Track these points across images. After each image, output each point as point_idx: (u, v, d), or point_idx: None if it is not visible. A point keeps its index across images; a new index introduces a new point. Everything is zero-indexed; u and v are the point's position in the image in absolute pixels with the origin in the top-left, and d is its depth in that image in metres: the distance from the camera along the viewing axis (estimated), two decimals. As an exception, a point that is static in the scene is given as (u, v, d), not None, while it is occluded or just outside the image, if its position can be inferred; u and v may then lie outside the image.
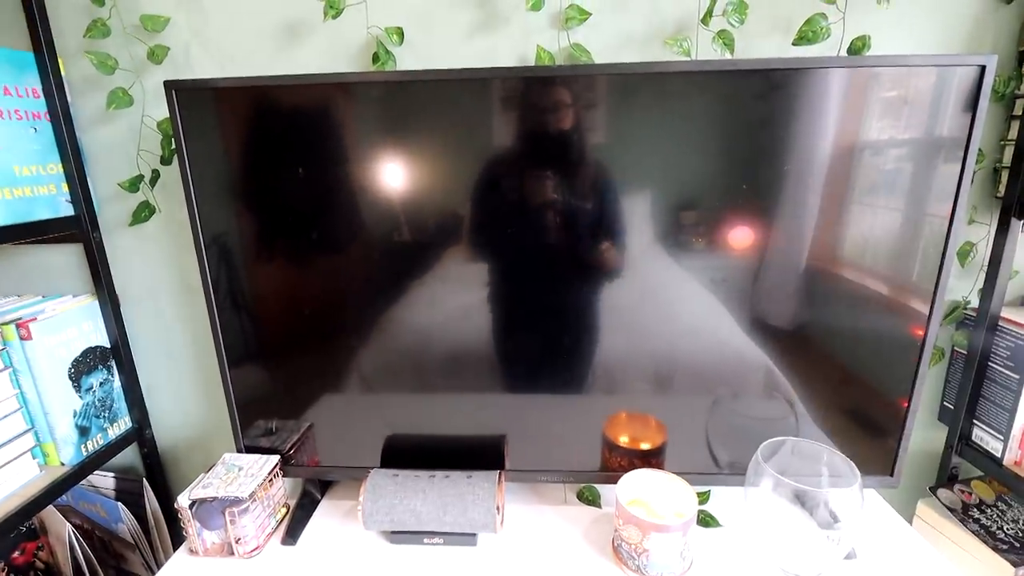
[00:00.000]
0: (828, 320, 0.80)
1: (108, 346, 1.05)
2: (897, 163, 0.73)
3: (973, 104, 0.70)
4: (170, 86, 0.74)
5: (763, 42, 0.86)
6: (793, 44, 0.81)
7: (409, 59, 0.90)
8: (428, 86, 0.73)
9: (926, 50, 0.86)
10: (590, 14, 0.85)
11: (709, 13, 0.79)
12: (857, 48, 0.80)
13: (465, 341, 0.84)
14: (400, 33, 0.87)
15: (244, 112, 0.75)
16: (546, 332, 0.83)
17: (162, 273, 1.05)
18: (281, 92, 0.74)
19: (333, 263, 0.82)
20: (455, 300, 0.83)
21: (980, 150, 0.89)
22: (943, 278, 0.77)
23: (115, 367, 1.07)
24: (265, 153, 0.77)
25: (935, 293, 0.77)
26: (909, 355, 0.80)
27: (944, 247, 0.75)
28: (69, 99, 0.94)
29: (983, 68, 0.69)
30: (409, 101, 0.74)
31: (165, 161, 0.94)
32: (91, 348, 1.02)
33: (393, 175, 0.77)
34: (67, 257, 1.06)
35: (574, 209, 0.77)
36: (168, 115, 0.90)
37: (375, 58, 0.87)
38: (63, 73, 0.93)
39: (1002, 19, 0.85)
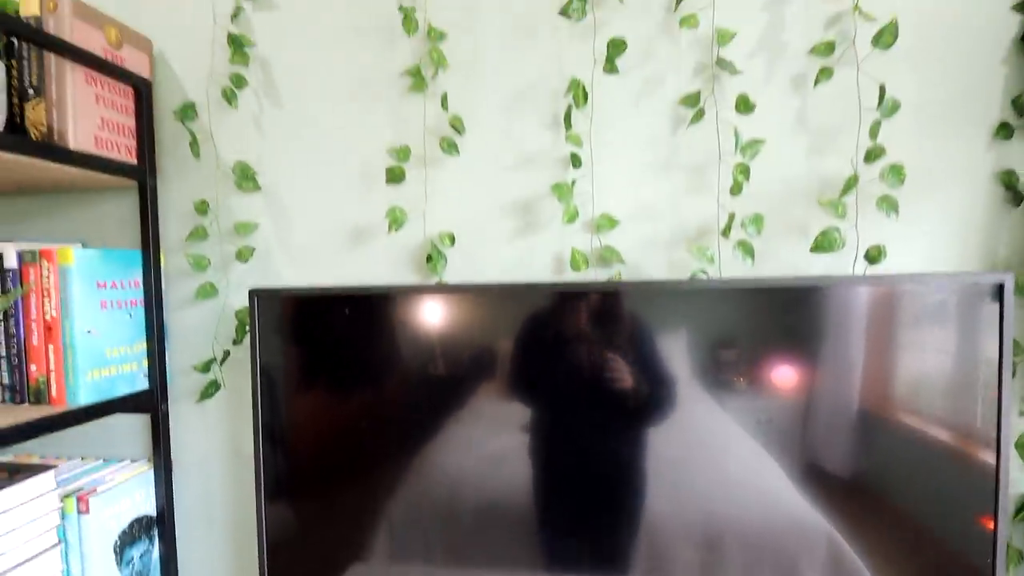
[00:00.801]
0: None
1: (154, 515, 1.08)
2: (936, 371, 0.75)
3: (999, 320, 0.73)
4: (253, 294, 0.85)
5: (782, 246, 0.94)
6: (811, 251, 0.88)
7: (458, 258, 1.01)
8: (474, 293, 0.82)
9: (939, 257, 0.91)
10: (619, 222, 0.96)
11: (728, 228, 0.88)
12: (873, 257, 0.86)
13: (500, 496, 0.84)
14: (451, 238, 0.99)
15: (310, 311, 0.85)
16: (586, 488, 0.82)
17: (216, 441, 1.11)
18: (342, 299, 0.84)
19: (374, 444, 0.86)
20: (491, 445, 0.84)
21: (1016, 341, 0.90)
22: (1003, 472, 0.74)
23: (157, 537, 1.08)
24: (325, 347, 0.85)
25: (996, 493, 0.74)
26: (983, 557, 0.74)
27: (997, 448, 0.73)
28: (163, 287, 1.08)
29: (1001, 285, 0.73)
30: (459, 307, 0.82)
31: (236, 342, 1.05)
32: (139, 519, 1.05)
33: (446, 371, 0.83)
34: (132, 423, 1.13)
35: (612, 354, 0.80)
36: (245, 305, 1.03)
37: (429, 258, 0.98)
38: (162, 265, 1.09)
39: (1016, 222, 0.90)
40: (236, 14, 1.04)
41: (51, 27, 0.91)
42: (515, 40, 0.98)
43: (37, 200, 1.15)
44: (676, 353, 0.81)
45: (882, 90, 0.85)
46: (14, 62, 0.91)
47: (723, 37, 0.91)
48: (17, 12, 0.91)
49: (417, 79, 0.97)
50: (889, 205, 0.85)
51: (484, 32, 0.99)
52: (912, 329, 0.76)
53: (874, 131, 0.88)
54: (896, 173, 0.86)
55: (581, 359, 0.82)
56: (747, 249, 0.88)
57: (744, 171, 0.90)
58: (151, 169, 1.05)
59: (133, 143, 1.03)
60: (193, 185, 1.08)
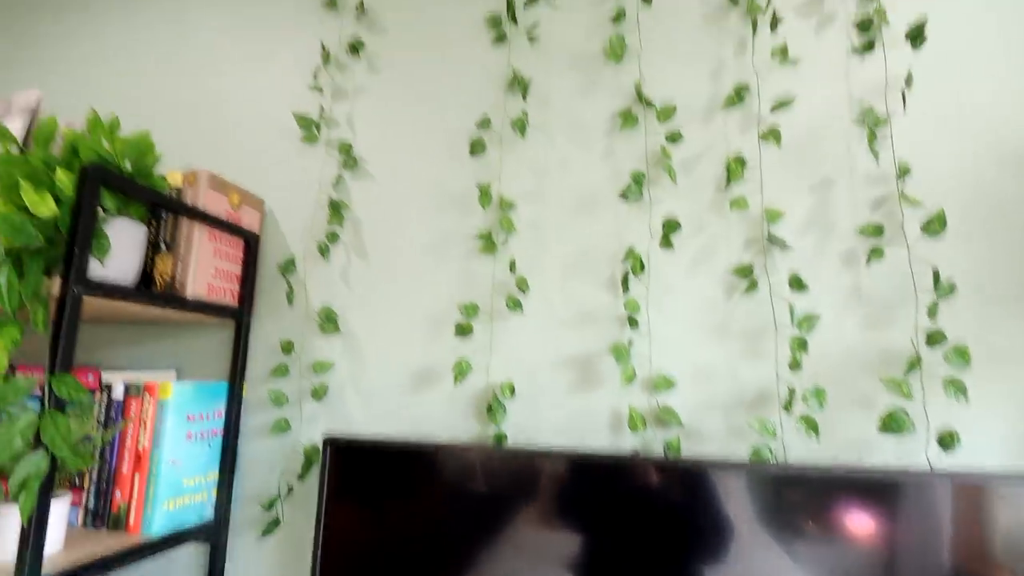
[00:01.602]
0: None
1: (197, 654, 1.07)
2: None
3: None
4: (327, 443, 0.91)
5: (846, 420, 0.93)
6: (880, 431, 0.86)
7: (518, 408, 1.05)
8: (536, 457, 0.84)
9: (1018, 441, 0.87)
10: (676, 383, 0.99)
11: (790, 403, 0.89)
12: (947, 443, 0.84)
13: None
14: (512, 388, 1.04)
15: (378, 461, 0.90)
16: None
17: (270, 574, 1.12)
18: (410, 452, 0.89)
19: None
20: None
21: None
22: None
23: None
24: (389, 497, 0.88)
25: None
26: None
27: None
28: (241, 414, 1.17)
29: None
30: (520, 466, 0.84)
31: (301, 478, 1.09)
32: (183, 657, 1.04)
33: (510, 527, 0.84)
34: (190, 551, 1.16)
35: (668, 498, 0.77)
36: (313, 442, 1.09)
37: (489, 408, 1.03)
38: (243, 393, 1.18)
39: (1096, 409, 0.86)
40: (337, 181, 1.22)
41: (188, 195, 1.10)
42: (577, 212, 1.09)
43: (141, 329, 1.30)
44: (740, 520, 0.79)
45: (936, 274, 0.88)
46: (154, 224, 1.09)
47: (772, 216, 0.98)
48: (164, 183, 1.10)
49: (488, 243, 1.08)
50: (957, 388, 0.84)
51: (549, 204, 1.11)
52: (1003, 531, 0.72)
53: (932, 311, 0.89)
54: (961, 355, 0.86)
55: (642, 527, 0.81)
56: (811, 424, 0.88)
57: (802, 344, 0.92)
58: (248, 310, 1.18)
59: (237, 287, 1.18)
60: (282, 325, 1.20)
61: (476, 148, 1.10)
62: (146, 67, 1.44)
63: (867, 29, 1.01)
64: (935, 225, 0.89)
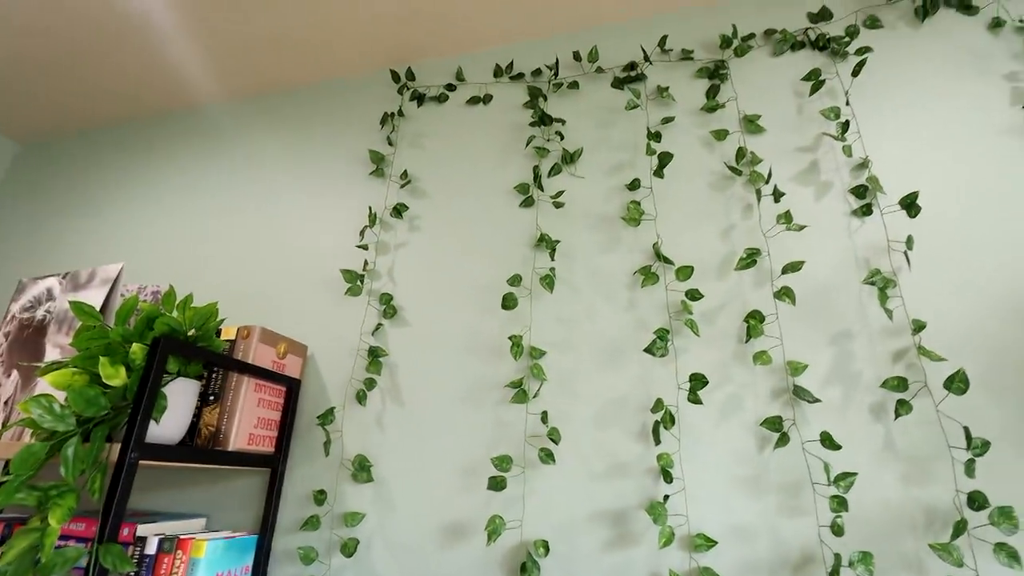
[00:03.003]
0: None
1: None
2: None
3: None
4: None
5: (898, 585, 0.89)
6: (934, 603, 0.82)
7: (552, 567, 1.02)
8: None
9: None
10: (716, 542, 0.96)
11: (836, 570, 0.86)
12: (1010, 620, 0.79)
13: None
14: (546, 546, 1.02)
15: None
16: None
17: None
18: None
19: None
20: None
21: None
22: None
23: None
24: None
25: None
26: None
27: None
28: (268, 569, 1.14)
29: None
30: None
31: (325, 645, 1.05)
32: None
33: None
34: None
35: None
36: (341, 601, 1.05)
37: (523, 567, 1.00)
38: (273, 546, 1.16)
39: None
40: (376, 329, 1.30)
41: (241, 348, 1.18)
42: (605, 362, 1.14)
43: (176, 473, 1.32)
44: None
45: (967, 432, 0.89)
46: (205, 377, 1.16)
47: (796, 369, 1.02)
48: (222, 344, 1.19)
49: (519, 392, 1.12)
50: (1009, 555, 0.81)
51: (578, 353, 1.17)
52: None
53: (970, 470, 0.89)
54: (1007, 517, 0.84)
55: None
56: (861, 594, 0.84)
57: (841, 503, 0.91)
58: (284, 457, 1.21)
59: (275, 434, 1.21)
60: (315, 473, 1.21)
61: (508, 302, 1.18)
62: (211, 233, 1.61)
63: (863, 196, 1.12)
64: (958, 384, 0.92)
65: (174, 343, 0.94)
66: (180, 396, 1.02)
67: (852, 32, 1.27)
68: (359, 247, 1.39)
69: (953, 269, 1.04)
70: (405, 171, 1.45)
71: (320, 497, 1.16)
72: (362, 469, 1.16)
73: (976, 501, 0.86)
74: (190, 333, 1.04)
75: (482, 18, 1.49)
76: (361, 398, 1.23)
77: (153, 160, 1.83)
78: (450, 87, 1.54)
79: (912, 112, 1.18)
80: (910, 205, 1.03)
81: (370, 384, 1.24)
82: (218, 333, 1.19)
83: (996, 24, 1.21)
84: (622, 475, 1.06)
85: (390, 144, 1.53)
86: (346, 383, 1.27)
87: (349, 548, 1.10)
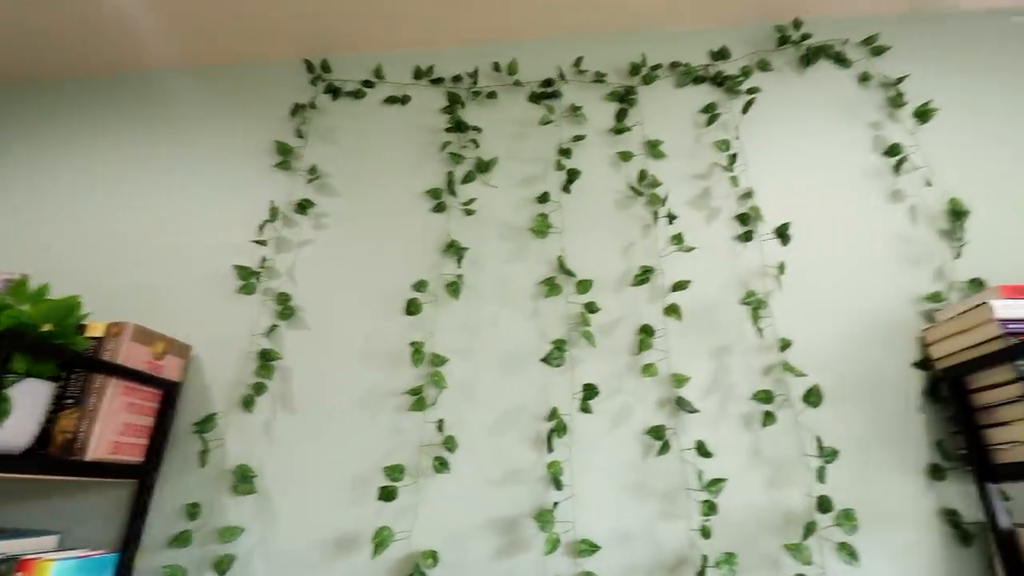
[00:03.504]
0: None
1: None
2: None
3: None
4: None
5: (757, 583, 0.96)
6: (785, 598, 0.90)
7: (441, 577, 1.01)
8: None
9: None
10: (599, 547, 1.00)
11: (703, 571, 0.92)
12: (845, 610, 0.89)
13: None
14: (434, 556, 1.00)
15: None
16: None
17: None
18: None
19: None
20: None
21: None
22: None
23: None
24: None
25: None
26: None
27: None
28: (128, 592, 1.04)
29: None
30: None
31: (189, 671, 0.96)
32: None
33: None
34: None
35: None
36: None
37: (410, 579, 0.98)
38: (134, 564, 1.06)
39: (967, 562, 0.95)
40: (271, 331, 1.23)
41: (109, 347, 1.07)
42: (505, 370, 1.16)
43: (26, 483, 1.17)
44: None
45: (819, 441, 0.99)
46: (64, 378, 1.03)
47: (679, 380, 1.09)
48: (83, 341, 1.07)
49: (418, 400, 1.10)
50: (849, 553, 0.91)
51: (480, 361, 1.17)
52: None
53: (821, 476, 0.99)
54: (848, 518, 0.94)
55: None
56: (725, 590, 0.91)
57: (711, 507, 0.97)
58: (155, 467, 1.10)
59: (146, 442, 1.11)
60: (190, 486, 1.12)
61: (412, 307, 1.16)
62: (86, 218, 1.45)
63: (745, 222, 1.22)
64: (813, 398, 1.02)
65: (22, 339, 0.83)
66: (27, 398, 0.91)
67: (746, 72, 1.38)
68: (256, 242, 1.31)
69: (816, 293, 1.16)
70: (314, 166, 1.39)
71: (193, 511, 1.07)
72: (244, 480, 1.09)
73: (823, 504, 0.96)
74: (44, 328, 0.93)
75: (405, 18, 1.47)
76: (248, 404, 1.15)
77: (19, 133, 1.62)
78: (368, 84, 1.50)
79: (791, 150, 1.31)
80: (782, 234, 1.13)
81: (259, 389, 1.17)
82: (82, 329, 1.08)
83: (864, 78, 1.37)
84: (516, 482, 1.07)
85: (300, 136, 1.46)
86: (232, 388, 1.19)
87: (223, 565, 1.02)
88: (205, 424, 1.12)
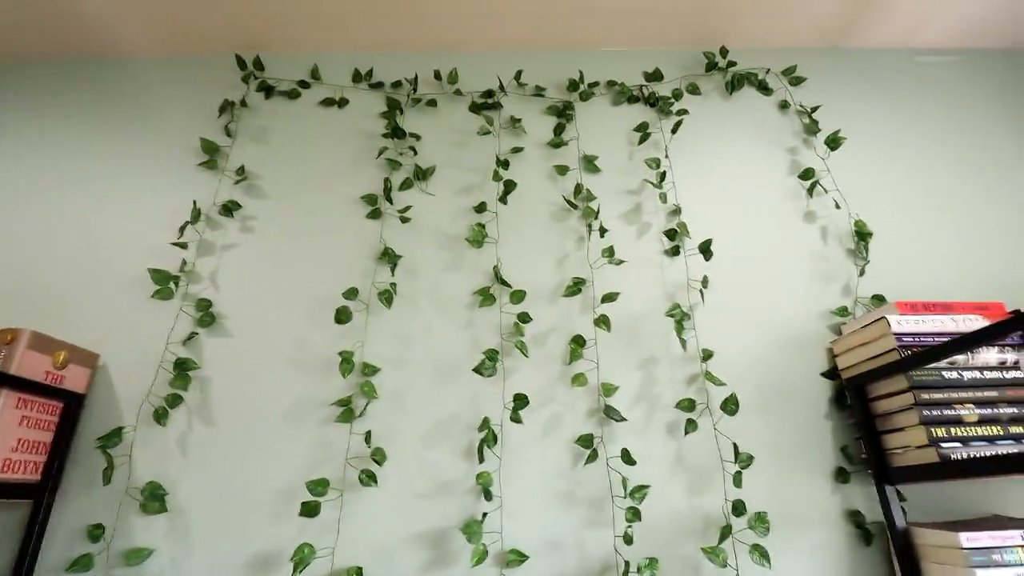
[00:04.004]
0: None
1: None
2: None
3: None
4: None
5: (677, 587, 1.00)
6: (701, 601, 0.94)
7: (364, 595, 0.99)
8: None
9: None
10: (528, 557, 1.00)
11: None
12: (755, 610, 0.93)
13: None
14: (359, 572, 0.98)
15: None
16: None
17: None
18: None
19: None
20: None
21: None
22: None
23: None
24: None
25: None
26: None
27: None
28: (16, 625, 0.95)
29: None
30: None
31: None
32: None
33: None
34: None
35: None
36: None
37: (332, 598, 0.95)
38: (25, 594, 0.97)
39: (870, 559, 1.02)
40: (189, 339, 1.17)
41: (1, 356, 0.98)
42: (438, 380, 1.15)
43: (-98, 508, 1.05)
44: None
45: (736, 448, 1.03)
46: (-53, 388, 0.94)
47: (608, 390, 1.11)
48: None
49: (345, 411, 1.07)
50: (761, 555, 0.96)
51: (412, 371, 1.15)
52: None
53: (737, 481, 1.04)
54: (761, 521, 0.99)
55: None
56: (646, 600, 0.93)
57: (635, 515, 1.00)
58: (53, 487, 1.02)
59: (43, 459, 1.02)
60: (93, 505, 1.04)
61: (342, 316, 1.13)
62: (-19, 202, 1.33)
63: (673, 238, 1.27)
64: (730, 405, 1.07)
65: None
66: None
67: (677, 95, 1.45)
68: (175, 244, 1.24)
69: (736, 306, 1.22)
70: (242, 166, 1.33)
71: (96, 532, 0.99)
72: (154, 498, 1.02)
73: (737, 508, 1.01)
74: (-80, 336, 0.84)
75: (345, 19, 1.44)
76: (160, 416, 1.08)
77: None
78: (304, 84, 1.46)
79: (716, 170, 1.37)
80: (705, 250, 1.19)
81: (173, 401, 1.10)
82: (-31, 336, 0.98)
83: (784, 105, 1.46)
84: (446, 494, 1.06)
85: (228, 135, 1.40)
86: (143, 399, 1.12)
87: (127, 590, 0.95)
88: (110, 439, 1.04)
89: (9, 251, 1.27)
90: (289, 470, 1.07)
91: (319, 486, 1.01)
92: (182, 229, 1.25)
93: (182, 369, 1.12)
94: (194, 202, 1.27)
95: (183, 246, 1.24)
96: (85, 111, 1.45)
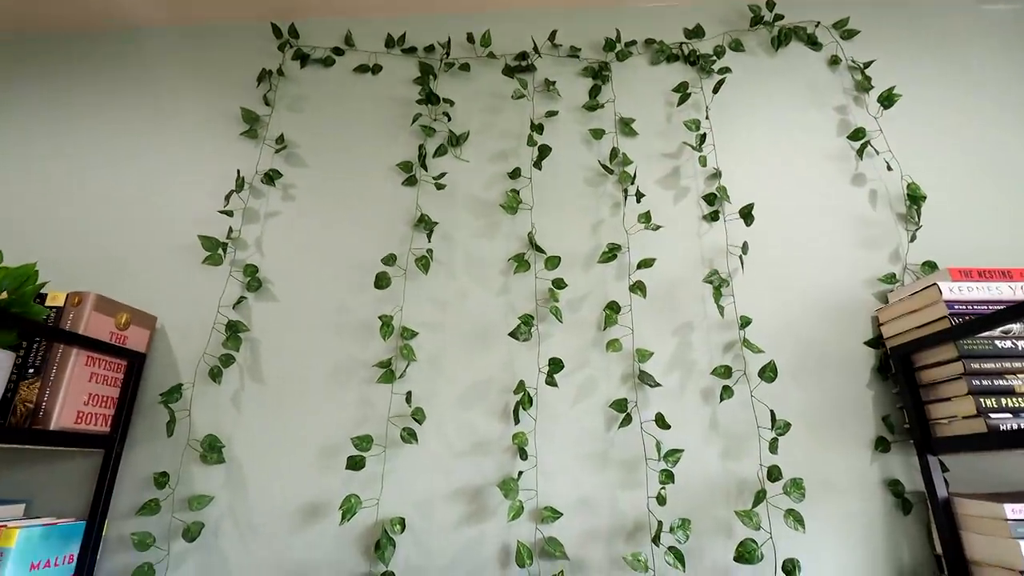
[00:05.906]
0: None
1: None
2: None
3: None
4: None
5: (708, 547, 1.01)
6: (734, 560, 0.95)
7: (408, 543, 1.04)
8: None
9: (849, 565, 0.99)
10: (562, 514, 1.04)
11: (658, 536, 0.97)
12: (789, 571, 0.94)
13: None
14: (402, 523, 1.03)
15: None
16: None
17: None
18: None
19: None
20: None
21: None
22: None
23: None
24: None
25: None
26: None
27: None
28: (98, 558, 1.05)
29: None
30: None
31: (158, 634, 0.98)
32: None
33: None
34: None
35: None
36: (179, 588, 1.00)
37: (377, 545, 1.01)
38: (103, 532, 1.06)
39: (910, 529, 1.01)
40: (238, 303, 1.22)
41: (71, 317, 1.05)
42: (474, 344, 1.17)
43: (-8, 453, 1.16)
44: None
45: (773, 415, 1.03)
46: (24, 348, 1.02)
47: (643, 356, 1.12)
48: (43, 310, 1.05)
49: (387, 373, 1.12)
50: (796, 520, 0.96)
51: (448, 335, 1.18)
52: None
53: (773, 447, 1.03)
54: (797, 487, 0.99)
55: None
56: (678, 556, 0.95)
57: (669, 477, 1.02)
58: (121, 438, 1.10)
59: (111, 412, 1.10)
60: (157, 455, 1.12)
61: (381, 281, 1.16)
62: (46, 185, 1.40)
63: (712, 203, 1.24)
64: (768, 373, 1.06)
65: (-26, 308, 0.82)
66: (-15, 368, 0.90)
67: (719, 52, 1.39)
68: (222, 212, 1.29)
69: (777, 273, 1.19)
70: (282, 135, 1.36)
71: (162, 480, 1.08)
72: (212, 450, 1.09)
73: (772, 474, 1.01)
74: (1, 297, 0.91)
75: (376, -17, 1.42)
76: (215, 375, 1.15)
77: (-27, 91, 1.55)
78: (338, 51, 1.46)
79: (758, 132, 1.32)
80: (747, 215, 1.16)
81: (227, 361, 1.17)
82: (42, 299, 1.06)
83: (834, 61, 1.39)
84: (483, 453, 1.10)
85: (267, 104, 1.43)
86: (198, 358, 1.19)
87: (192, 532, 1.04)
88: (171, 395, 1.12)
89: (74, 219, 1.35)
90: (334, 426, 1.12)
91: (364, 442, 1.06)
92: (227, 197, 1.30)
93: (233, 331, 1.18)
94: (238, 171, 1.31)
95: (229, 214, 1.29)
96: (137, 83, 1.49)
